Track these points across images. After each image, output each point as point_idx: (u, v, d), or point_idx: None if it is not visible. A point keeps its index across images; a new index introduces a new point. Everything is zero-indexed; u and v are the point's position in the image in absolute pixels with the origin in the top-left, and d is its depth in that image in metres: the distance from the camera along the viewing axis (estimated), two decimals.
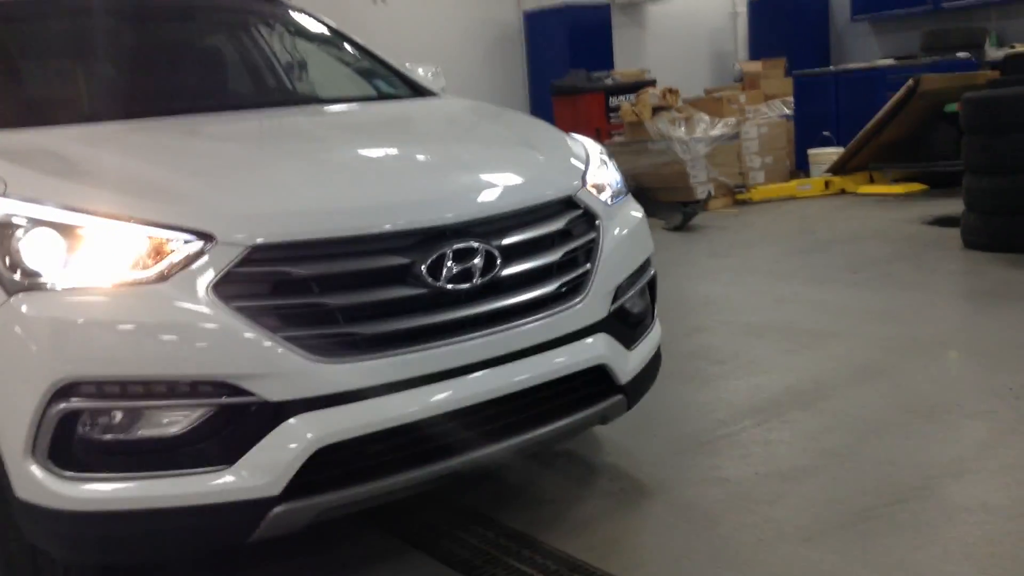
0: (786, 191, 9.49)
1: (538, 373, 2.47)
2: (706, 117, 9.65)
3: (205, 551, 2.46)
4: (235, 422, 2.14)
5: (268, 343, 2.13)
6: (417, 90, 3.70)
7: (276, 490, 2.15)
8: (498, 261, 2.39)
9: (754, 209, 8.94)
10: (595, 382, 2.64)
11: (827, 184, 9.45)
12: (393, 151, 2.82)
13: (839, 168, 9.51)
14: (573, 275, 2.58)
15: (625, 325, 2.76)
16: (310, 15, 4.00)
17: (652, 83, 11.26)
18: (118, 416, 2.13)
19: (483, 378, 2.37)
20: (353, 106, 3.47)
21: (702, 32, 15.98)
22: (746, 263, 6.47)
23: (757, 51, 15.24)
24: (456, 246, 2.32)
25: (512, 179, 2.63)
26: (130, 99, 3.26)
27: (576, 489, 3.01)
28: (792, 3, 14.94)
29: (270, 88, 3.85)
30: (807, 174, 9.97)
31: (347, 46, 3.92)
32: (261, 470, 2.14)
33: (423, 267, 2.28)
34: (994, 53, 12.06)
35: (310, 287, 2.20)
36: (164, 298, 2.12)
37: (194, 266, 2.14)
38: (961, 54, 11.04)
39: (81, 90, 3.47)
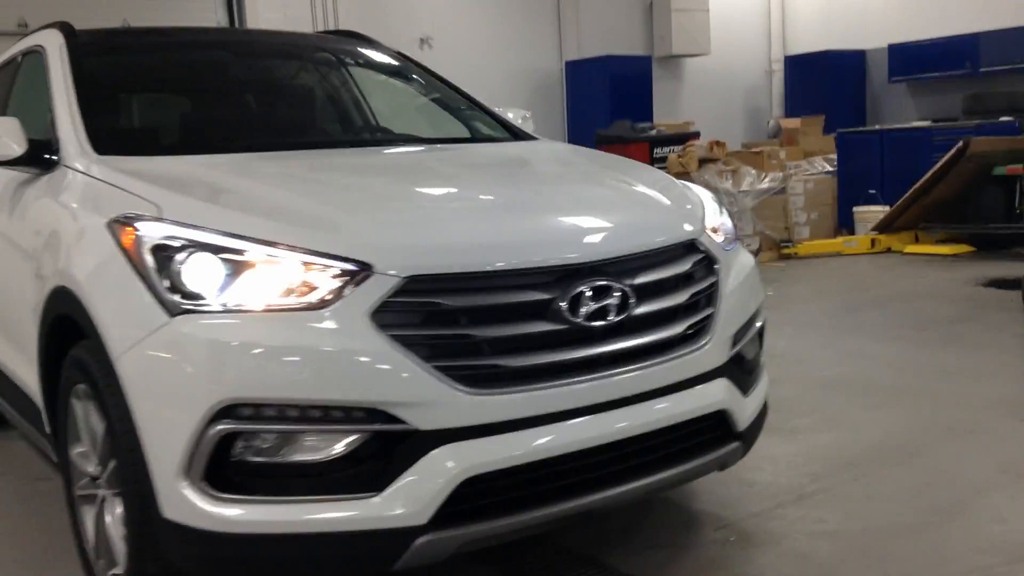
0: (833, 247, 9.52)
1: (669, 414, 2.48)
2: (752, 170, 9.70)
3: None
4: (386, 449, 2.16)
5: (421, 372, 2.15)
6: (514, 133, 3.76)
7: (423, 519, 2.15)
8: (631, 300, 2.41)
9: (800, 264, 8.96)
10: (715, 427, 2.64)
11: (873, 242, 9.47)
12: (524, 190, 2.86)
13: (885, 226, 9.54)
14: (697, 318, 2.59)
15: (742, 371, 2.77)
16: (412, 60, 4.08)
17: (696, 135, 11.36)
18: (273, 439, 2.15)
19: (618, 416, 2.38)
20: (466, 146, 3.52)
21: (738, 88, 16.16)
22: (804, 317, 6.47)
23: (793, 108, 15.39)
24: (594, 283, 2.35)
25: (642, 221, 2.66)
26: (257, 132, 3.33)
27: (683, 536, 3.00)
28: (829, 62, 15.09)
29: (381, 127, 3.91)
30: (850, 231, 10.00)
31: (446, 89, 3.99)
32: (409, 499, 2.15)
33: (563, 303, 2.31)
34: None
35: (458, 319, 2.23)
36: (323, 324, 2.15)
37: (352, 294, 2.17)
38: (1004, 118, 11.12)
39: (211, 122, 3.54)
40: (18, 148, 2.96)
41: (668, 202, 2.83)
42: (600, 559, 2.84)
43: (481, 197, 2.73)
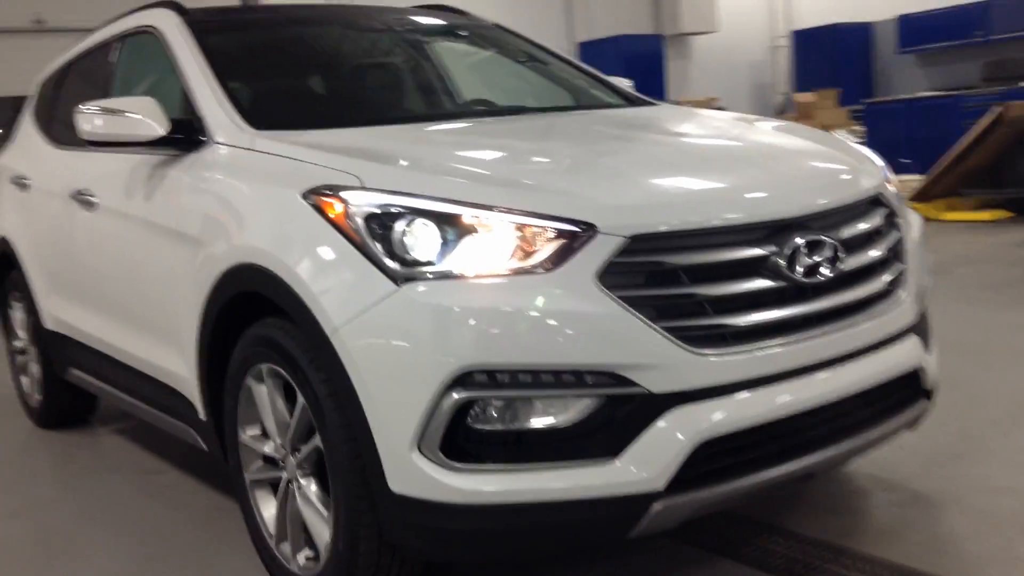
0: None
1: (877, 371, 2.42)
2: None
3: (581, 546, 2.40)
4: (620, 413, 2.09)
5: (651, 333, 2.09)
6: (630, 99, 3.68)
7: (660, 484, 2.09)
8: (840, 255, 2.35)
9: None
10: (908, 384, 2.59)
11: None
12: (712, 147, 2.79)
13: (922, 194, 9.53)
14: (895, 272, 2.55)
15: (926, 326, 2.73)
16: (513, 32, 4.01)
17: (721, 109, 11.33)
18: (506, 406, 2.08)
19: (835, 375, 2.33)
20: (604, 111, 3.43)
21: (743, 64, 16.17)
22: None
23: (801, 83, 15.38)
24: (809, 237, 2.29)
25: (836, 173, 2.60)
26: (395, 104, 3.27)
27: (856, 500, 2.96)
28: (836, 35, 15.09)
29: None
30: None
31: (551, 58, 3.92)
32: (646, 463, 2.09)
33: (781, 259, 2.25)
34: None
35: (680, 278, 2.16)
36: (551, 287, 2.08)
37: (578, 256, 2.10)
38: None
39: (347, 95, 3.47)
40: (160, 128, 2.87)
41: (848, 155, 2.77)
42: (782, 526, 2.79)
43: (676, 155, 2.66)
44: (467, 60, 3.91)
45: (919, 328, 2.63)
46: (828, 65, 14.88)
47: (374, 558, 2.29)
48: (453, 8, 4.15)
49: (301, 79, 3.52)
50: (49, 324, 4.16)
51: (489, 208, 2.15)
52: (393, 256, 2.13)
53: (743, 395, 2.18)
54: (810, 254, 2.28)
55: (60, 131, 4.23)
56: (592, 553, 2.69)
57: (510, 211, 2.14)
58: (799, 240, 2.27)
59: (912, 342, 2.57)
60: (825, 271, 2.30)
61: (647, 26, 15.01)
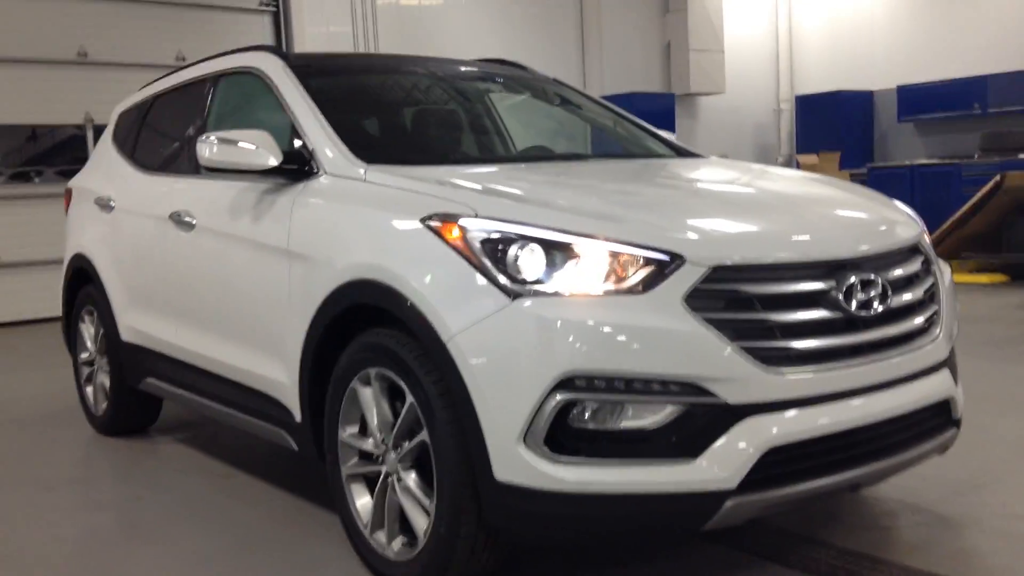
0: None
1: (916, 398, 2.75)
2: None
3: (662, 535, 2.70)
4: (699, 420, 2.41)
5: (729, 351, 2.42)
6: (679, 151, 4.05)
7: (733, 484, 2.40)
8: (889, 293, 2.70)
9: None
10: (940, 413, 2.92)
11: None
12: (773, 193, 3.14)
13: None
14: (930, 312, 2.89)
15: (955, 362, 3.06)
16: (570, 86, 4.40)
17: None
18: (602, 408, 2.41)
19: (881, 398, 2.65)
20: (661, 160, 3.80)
21: (748, 125, 16.66)
22: None
23: (803, 145, 15.86)
24: (862, 276, 2.63)
25: (884, 222, 2.95)
26: (484, 147, 3.64)
27: (887, 520, 3.26)
28: (838, 101, 15.59)
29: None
30: None
31: (605, 112, 4.30)
32: (722, 464, 2.40)
33: (839, 293, 2.59)
34: None
35: (754, 304, 2.50)
36: (645, 306, 2.42)
37: (668, 281, 2.44)
38: (1022, 155, 11.63)
39: (439, 137, 3.85)
40: (274, 159, 3.22)
41: (891, 210, 3.13)
42: (823, 538, 3.10)
43: (743, 200, 3.02)
44: (529, 113, 4.29)
45: (950, 363, 2.97)
46: (830, 129, 15.36)
47: (472, 541, 2.59)
48: (515, 63, 4.54)
49: (394, 120, 3.89)
50: (126, 336, 4.46)
51: (591, 236, 2.49)
52: (506, 275, 2.47)
53: (805, 410, 2.51)
54: (863, 290, 2.62)
55: (147, 157, 4.58)
56: (654, 552, 2.98)
57: (609, 240, 2.49)
58: (854, 278, 2.61)
59: (944, 375, 2.91)
60: (875, 306, 2.64)
61: (658, 84, 15.51)
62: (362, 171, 3.07)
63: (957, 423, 2.99)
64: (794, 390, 2.49)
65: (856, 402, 2.60)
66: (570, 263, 2.47)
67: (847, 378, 2.58)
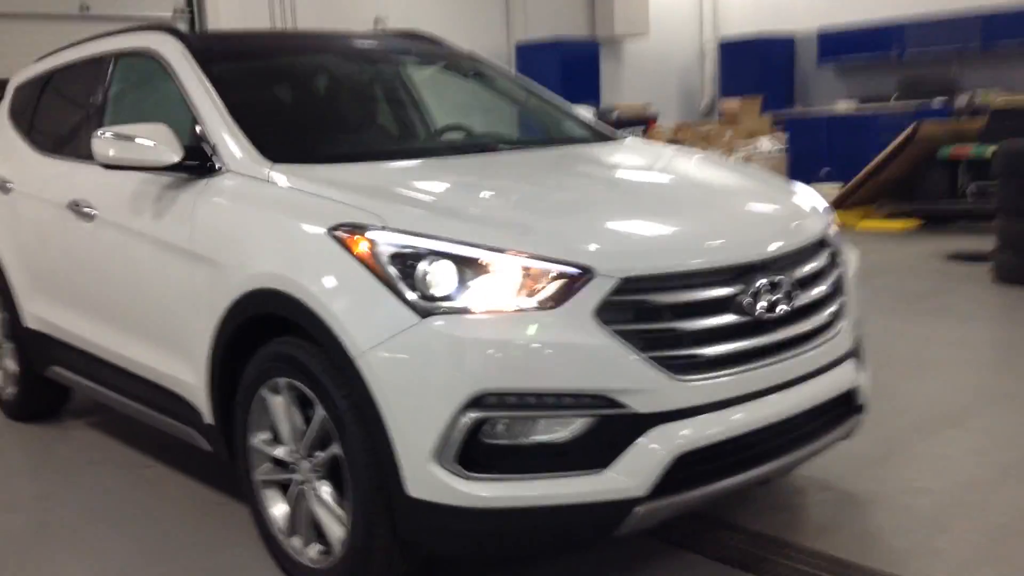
0: None
1: (822, 393, 2.82)
2: (718, 152, 10.16)
3: (573, 545, 2.73)
4: (610, 430, 2.43)
5: (639, 362, 2.43)
6: (597, 133, 4.02)
7: (643, 491, 2.44)
8: (794, 293, 2.73)
9: None
10: (845, 402, 2.99)
11: None
12: (684, 193, 3.12)
13: (839, 203, 10.12)
14: (835, 306, 2.94)
15: (860, 350, 3.13)
16: (485, 60, 4.30)
17: (655, 117, 11.78)
18: (514, 424, 2.41)
19: (788, 396, 2.70)
20: (580, 147, 3.74)
21: (672, 71, 16.66)
22: None
23: (726, 89, 15.97)
24: (770, 279, 2.66)
25: (792, 219, 2.97)
26: (393, 137, 3.54)
27: (795, 498, 3.36)
28: (761, 46, 15.71)
29: (494, 133, 4.12)
30: None
31: (520, 90, 4.23)
32: (631, 473, 2.43)
33: (747, 298, 2.61)
34: (961, 101, 12.97)
35: (663, 314, 2.51)
36: (556, 322, 2.41)
37: (578, 295, 2.42)
38: (937, 99, 11.88)
39: (348, 129, 3.72)
40: (175, 155, 3.10)
41: (800, 202, 3.15)
42: (729, 520, 3.17)
43: (655, 201, 2.99)
44: (444, 88, 4.20)
45: (855, 351, 3.03)
46: (752, 73, 15.50)
47: (387, 552, 2.59)
48: (429, 36, 4.43)
49: (304, 109, 3.77)
50: (30, 323, 4.32)
51: (501, 251, 2.46)
52: (415, 291, 2.43)
53: (713, 414, 2.54)
54: (771, 292, 2.65)
55: (44, 138, 4.39)
56: (577, 549, 3.03)
57: (520, 254, 2.46)
58: (762, 281, 2.64)
59: (848, 366, 2.97)
60: (782, 307, 2.68)
61: (582, 28, 15.37)
62: (266, 171, 2.98)
63: (861, 408, 3.06)
64: (702, 396, 2.52)
65: (764, 402, 2.65)
66: (480, 278, 2.44)
67: (755, 380, 2.62)
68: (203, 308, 3.03)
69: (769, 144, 11.99)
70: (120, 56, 3.96)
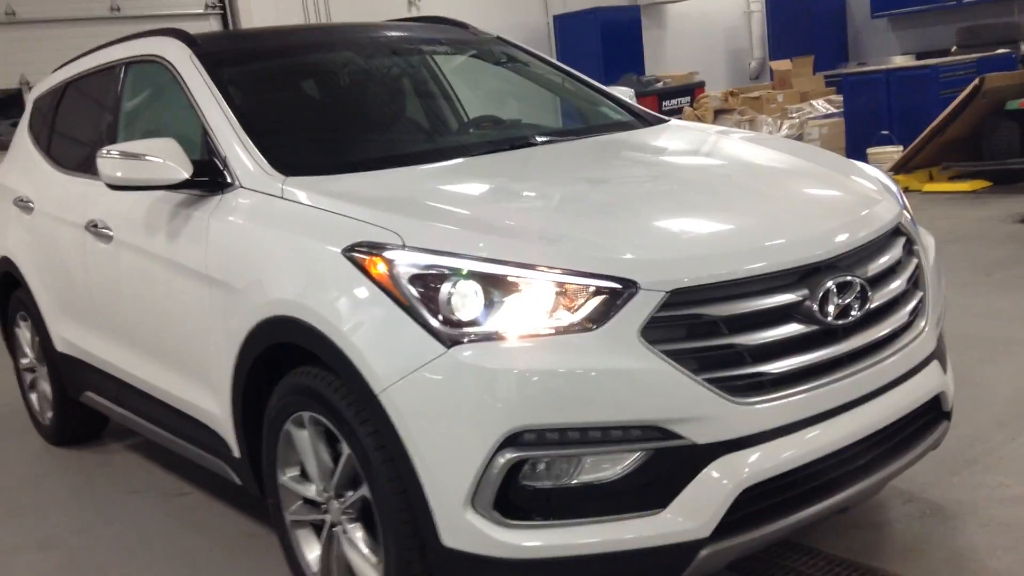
0: None
1: (905, 403, 2.51)
2: (769, 119, 9.74)
3: None
4: (667, 466, 2.16)
5: (694, 386, 2.15)
6: (641, 116, 3.70)
7: (707, 532, 2.17)
8: (869, 293, 2.42)
9: None
10: (930, 409, 2.68)
11: None
12: (735, 186, 2.79)
13: (902, 166, 9.64)
14: (915, 303, 2.63)
15: (943, 349, 2.81)
16: (516, 45, 4.00)
17: (702, 86, 11.36)
18: (556, 463, 2.15)
19: (868, 411, 2.41)
20: (621, 136, 3.41)
21: (718, 31, 16.14)
22: None
23: (775, 49, 15.42)
24: (838, 280, 2.35)
25: (859, 207, 2.65)
26: (421, 139, 3.29)
27: (877, 514, 3.05)
28: (810, 0, 15.13)
29: (528, 124, 3.81)
30: None
31: (558, 74, 3.93)
32: (693, 512, 2.16)
33: (814, 303, 2.31)
34: None
35: (720, 329, 2.22)
36: (597, 345, 2.14)
37: (622, 312, 2.15)
38: (1001, 50, 11.25)
39: (371, 132, 3.46)
40: (184, 172, 2.88)
41: (869, 186, 2.83)
42: (811, 544, 2.88)
43: (703, 196, 2.67)
44: (474, 76, 3.92)
45: (938, 352, 2.71)
46: (802, 29, 14.94)
47: None
48: (454, 21, 4.15)
49: (321, 112, 3.52)
50: (60, 347, 4.17)
51: (532, 267, 2.20)
52: (439, 317, 2.18)
53: (782, 440, 2.25)
54: (840, 295, 2.35)
55: (63, 154, 4.22)
56: None
57: (553, 269, 2.19)
58: (830, 283, 2.33)
59: (933, 369, 2.66)
60: (855, 311, 2.37)
61: None
62: (279, 185, 2.74)
63: (949, 414, 2.75)
64: (768, 420, 2.24)
65: (839, 420, 2.36)
66: (511, 299, 2.18)
67: (828, 397, 2.33)
68: (222, 336, 2.81)
69: (824, 107, 11.50)
70: (130, 64, 3.75)
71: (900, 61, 12.63)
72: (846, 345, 2.37)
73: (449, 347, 2.15)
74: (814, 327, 2.32)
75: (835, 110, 11.24)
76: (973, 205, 8.43)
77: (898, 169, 9.64)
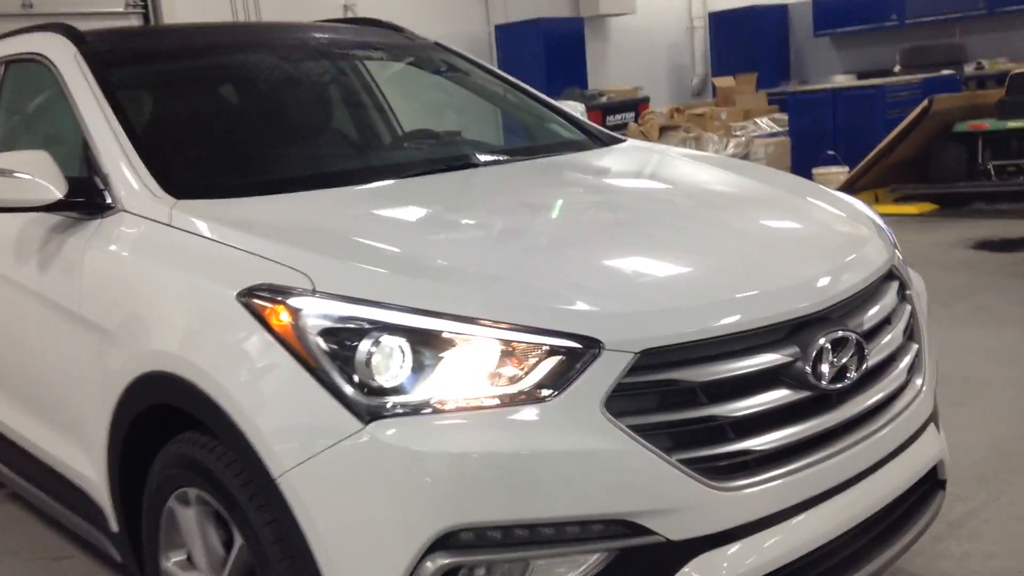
0: None
1: (904, 478, 2.16)
2: (715, 137, 9.49)
3: None
4: (635, 569, 1.77)
5: (667, 469, 1.76)
6: (593, 134, 3.30)
7: None
8: (866, 351, 2.06)
9: None
10: (927, 479, 2.33)
11: None
12: (709, 223, 2.39)
13: (848, 187, 9.45)
14: (910, 357, 2.27)
15: (936, 407, 2.47)
16: (459, 54, 3.59)
17: (646, 100, 11.08)
18: (499, 569, 1.73)
19: (865, 490, 2.04)
20: (579, 158, 3.01)
21: (660, 46, 15.97)
22: None
23: (718, 66, 15.32)
24: (831, 336, 1.98)
25: (849, 247, 2.29)
26: (339, 156, 2.85)
27: None
28: (753, 18, 15.07)
29: (469, 141, 3.38)
30: None
31: (503, 86, 3.52)
32: None
33: (806, 364, 1.94)
34: (970, 70, 12.32)
35: (697, 397, 1.84)
36: (551, 419, 1.73)
37: (581, 378, 1.75)
38: (945, 71, 11.20)
39: (282, 147, 2.97)
40: (57, 191, 2.40)
41: (855, 220, 2.48)
42: None
43: (675, 236, 2.27)
44: (410, 85, 3.49)
45: (934, 413, 2.37)
46: (745, 47, 14.84)
47: None
48: (389, 24, 3.71)
49: (228, 123, 3.03)
50: None
51: (472, 321, 1.78)
52: (355, 382, 1.75)
53: (768, 531, 1.87)
54: (835, 353, 1.98)
55: None
56: None
57: (497, 324, 1.78)
58: (823, 340, 1.96)
59: (930, 433, 2.31)
60: (851, 373, 2.00)
61: (565, 8, 14.63)
62: (167, 210, 2.28)
63: (944, 483, 2.40)
64: (755, 509, 1.86)
65: (833, 504, 1.99)
66: (446, 360, 1.76)
67: (821, 477, 1.96)
68: (97, 389, 2.34)
69: (768, 125, 11.30)
70: (10, 63, 3.24)
71: (842, 80, 12.54)
72: (840, 413, 2.00)
73: (367, 422, 1.72)
74: (805, 393, 1.94)
75: (779, 128, 11.05)
76: (922, 229, 8.23)
77: (844, 190, 9.44)
